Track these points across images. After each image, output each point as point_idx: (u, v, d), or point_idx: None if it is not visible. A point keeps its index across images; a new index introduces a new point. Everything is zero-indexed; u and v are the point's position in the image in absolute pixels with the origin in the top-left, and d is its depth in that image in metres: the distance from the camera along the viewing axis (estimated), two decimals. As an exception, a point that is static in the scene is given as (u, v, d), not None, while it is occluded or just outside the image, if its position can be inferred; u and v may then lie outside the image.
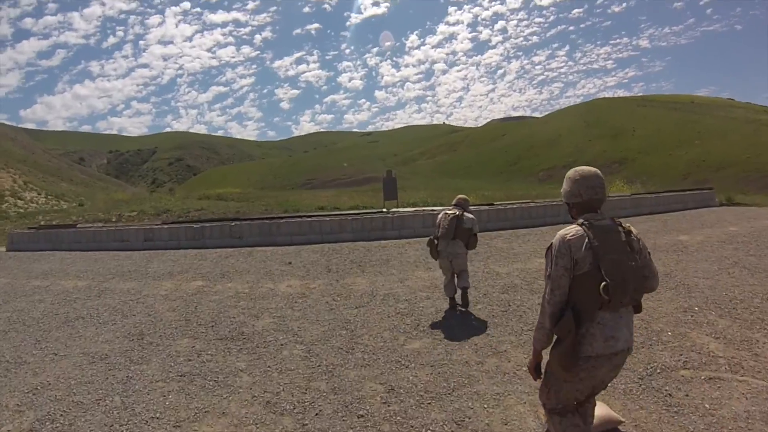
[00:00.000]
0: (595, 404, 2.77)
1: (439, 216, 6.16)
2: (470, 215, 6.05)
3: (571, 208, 2.58)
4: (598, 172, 2.51)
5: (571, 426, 2.59)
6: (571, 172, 2.56)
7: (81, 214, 19.55)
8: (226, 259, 10.52)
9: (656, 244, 9.41)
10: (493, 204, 13.76)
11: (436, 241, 6.08)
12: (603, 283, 2.26)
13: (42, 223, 17.89)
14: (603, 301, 2.28)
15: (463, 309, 6.08)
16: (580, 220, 2.45)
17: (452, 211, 6.04)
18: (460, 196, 6.35)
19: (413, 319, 5.91)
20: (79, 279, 9.37)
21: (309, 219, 12.33)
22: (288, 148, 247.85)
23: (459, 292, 6.20)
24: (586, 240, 2.34)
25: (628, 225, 2.48)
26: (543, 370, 2.66)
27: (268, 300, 7.10)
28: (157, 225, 13.30)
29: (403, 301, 6.69)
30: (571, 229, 2.42)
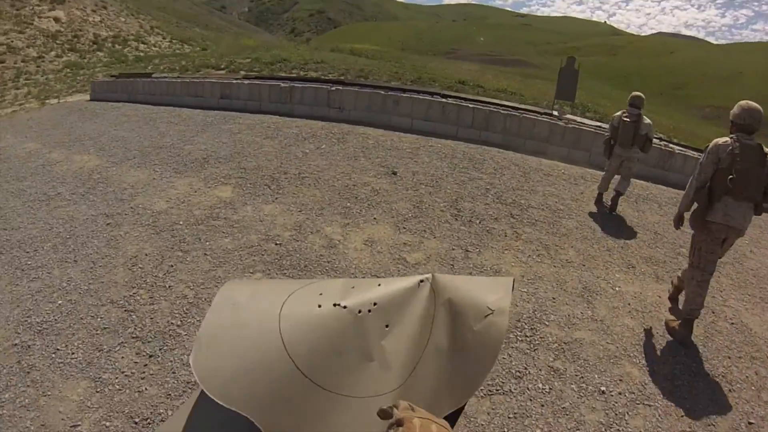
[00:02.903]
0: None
1: (615, 118, 5.87)
2: (647, 120, 5.69)
3: (732, 125, 3.51)
4: (760, 108, 3.42)
5: (703, 287, 3.60)
6: (742, 102, 3.51)
7: (199, 58, 17.54)
8: (304, 141, 7.32)
9: None
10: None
11: (612, 143, 5.86)
12: (730, 177, 3.33)
13: (149, 69, 16.00)
14: (728, 189, 3.36)
15: (610, 212, 5.86)
16: (734, 136, 3.44)
17: (627, 118, 5.65)
18: (637, 93, 5.83)
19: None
20: (94, 156, 6.86)
21: (443, 100, 8.56)
22: (436, 15, 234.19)
23: (613, 194, 5.89)
24: (730, 148, 3.37)
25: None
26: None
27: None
28: (236, 80, 10.34)
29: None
30: (726, 139, 3.45)
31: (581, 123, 8.31)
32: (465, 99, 8.61)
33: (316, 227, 4.86)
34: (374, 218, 5.11)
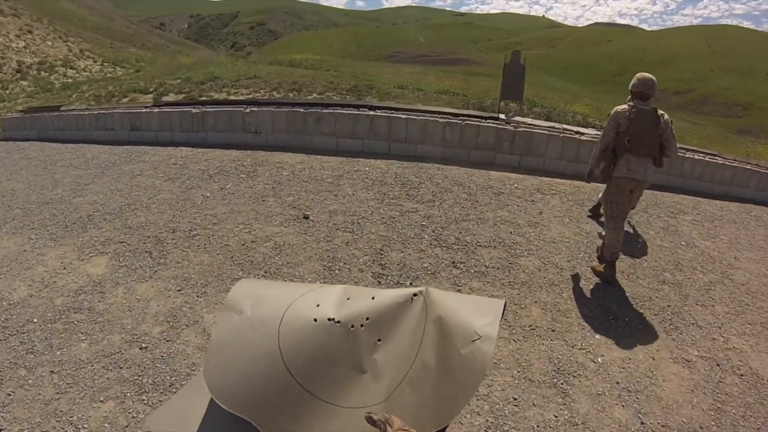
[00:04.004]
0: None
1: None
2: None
3: (631, 94, 3.99)
4: (653, 77, 3.94)
5: (618, 230, 4.03)
6: (638, 74, 4.01)
7: (128, 82, 15.79)
8: (209, 180, 6.01)
9: None
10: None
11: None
12: (628, 138, 3.85)
13: (74, 97, 14.17)
14: (628, 148, 3.86)
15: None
16: (631, 103, 3.93)
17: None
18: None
19: None
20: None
21: (371, 113, 7.34)
22: (377, 19, 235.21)
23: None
24: (628, 113, 3.87)
25: (662, 112, 3.93)
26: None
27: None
28: (146, 108, 8.84)
29: None
30: (624, 106, 3.96)
31: (532, 125, 7.26)
32: (396, 109, 7.42)
33: (195, 316, 3.55)
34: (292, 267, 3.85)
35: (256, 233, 4.68)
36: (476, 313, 1.39)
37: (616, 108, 3.98)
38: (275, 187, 5.71)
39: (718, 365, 3.44)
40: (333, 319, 1.39)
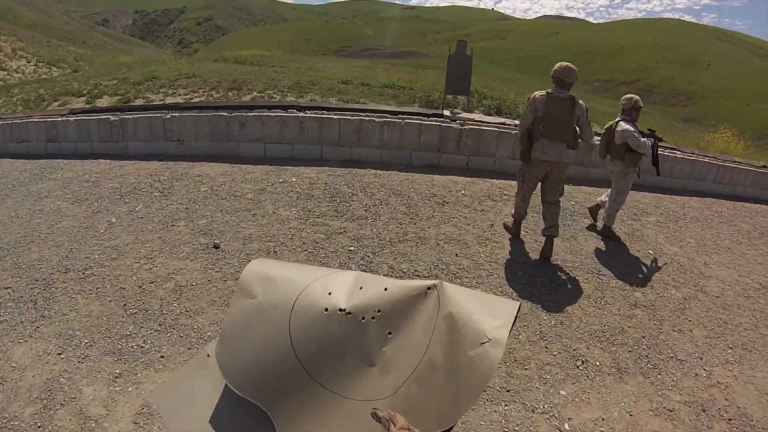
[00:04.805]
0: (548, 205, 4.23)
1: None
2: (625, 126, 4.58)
3: (552, 80, 4.05)
4: (570, 65, 4.05)
5: (524, 200, 4.32)
6: (560, 62, 4.12)
7: (61, 84, 14.17)
8: (120, 200, 5.11)
9: None
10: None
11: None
12: (542, 123, 3.98)
13: (2, 101, 12.50)
14: (542, 133, 4.00)
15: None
16: (549, 90, 4.07)
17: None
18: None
19: None
20: None
21: (300, 114, 6.45)
22: (325, 14, 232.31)
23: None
24: (545, 99, 4.01)
25: (580, 101, 4.08)
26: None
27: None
28: (62, 117, 7.65)
29: None
30: (542, 92, 4.09)
31: (481, 122, 6.57)
32: (328, 109, 6.55)
33: (73, 389, 2.75)
34: (161, 356, 3.00)
35: (158, 270, 3.83)
36: (488, 314, 1.36)
37: (534, 93, 4.15)
38: (189, 207, 4.82)
39: (704, 410, 2.90)
40: (344, 310, 1.39)
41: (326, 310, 1.38)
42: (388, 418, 1.04)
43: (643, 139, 4.42)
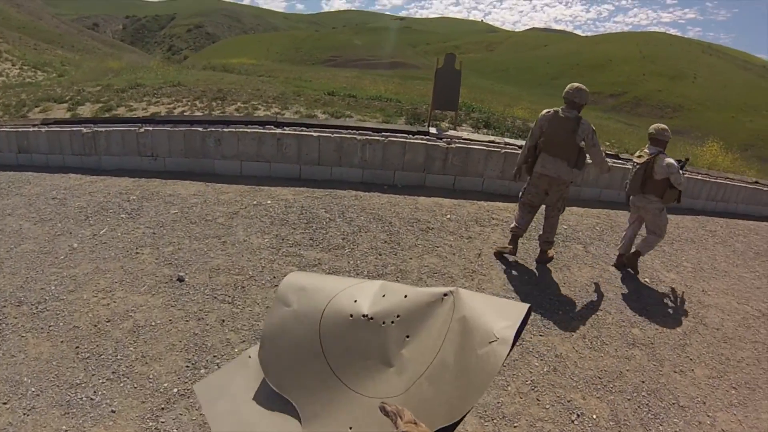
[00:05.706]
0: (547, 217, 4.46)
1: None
2: (669, 160, 4.38)
3: (564, 101, 4.18)
4: (581, 86, 4.17)
5: (522, 213, 4.39)
6: (571, 83, 4.29)
7: (44, 89, 13.66)
8: (84, 222, 4.75)
9: None
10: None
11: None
12: (542, 138, 4.16)
13: None
14: (542, 148, 4.17)
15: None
16: (556, 109, 4.18)
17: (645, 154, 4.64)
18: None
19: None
20: None
21: (277, 131, 6.14)
22: (316, 23, 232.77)
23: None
24: (549, 117, 4.16)
25: (586, 123, 4.13)
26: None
27: None
28: (33, 127, 7.28)
29: None
30: (549, 110, 4.23)
31: (469, 140, 6.30)
32: (308, 126, 6.24)
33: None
34: (112, 410, 2.67)
35: (116, 306, 3.49)
36: (498, 316, 1.39)
37: (542, 112, 4.32)
38: (156, 232, 4.49)
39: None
40: (366, 316, 1.48)
41: (351, 316, 1.48)
42: (395, 412, 1.11)
43: (685, 176, 4.23)
